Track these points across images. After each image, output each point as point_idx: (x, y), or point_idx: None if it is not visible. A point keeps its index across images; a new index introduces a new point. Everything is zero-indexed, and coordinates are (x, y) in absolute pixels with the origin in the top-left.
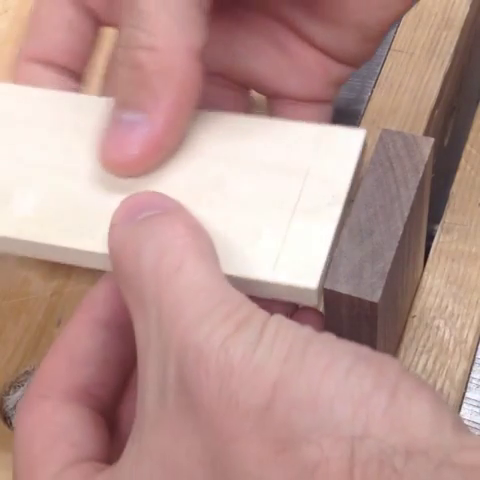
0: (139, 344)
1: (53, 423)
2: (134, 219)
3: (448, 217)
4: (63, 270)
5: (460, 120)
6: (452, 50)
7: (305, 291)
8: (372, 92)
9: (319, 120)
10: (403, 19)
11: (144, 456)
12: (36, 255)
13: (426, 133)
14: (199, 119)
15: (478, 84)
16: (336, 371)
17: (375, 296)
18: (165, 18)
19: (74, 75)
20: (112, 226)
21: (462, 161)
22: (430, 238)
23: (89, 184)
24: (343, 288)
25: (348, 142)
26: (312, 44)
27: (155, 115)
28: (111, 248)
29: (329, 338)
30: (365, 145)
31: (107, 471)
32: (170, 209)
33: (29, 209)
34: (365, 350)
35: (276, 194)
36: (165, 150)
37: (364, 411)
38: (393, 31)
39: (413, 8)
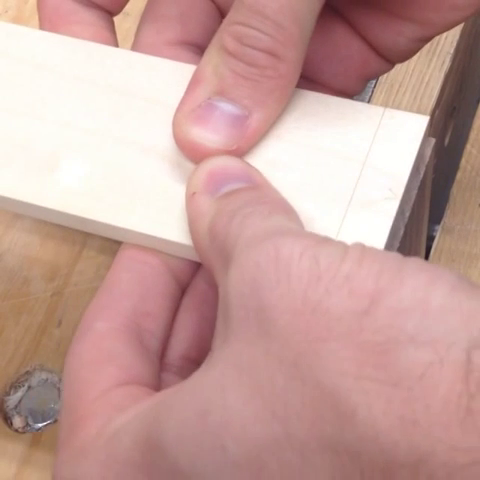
0: (220, 300)
1: (100, 349)
2: (218, 190)
3: (448, 217)
4: (64, 270)
5: (460, 120)
6: (452, 50)
7: None
8: (372, 92)
9: None
10: None
11: (215, 364)
12: (81, 228)
13: (426, 133)
14: None
15: (478, 84)
16: (441, 285)
17: None
18: (297, 32)
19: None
20: (194, 194)
21: (462, 161)
22: (430, 238)
23: (142, 157)
24: None
25: (409, 129)
26: (361, 35)
27: (255, 115)
28: (193, 219)
29: (422, 260)
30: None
31: (160, 393)
32: (257, 183)
33: (76, 180)
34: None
35: (332, 182)
36: (249, 149)
37: (475, 324)
38: None
39: None
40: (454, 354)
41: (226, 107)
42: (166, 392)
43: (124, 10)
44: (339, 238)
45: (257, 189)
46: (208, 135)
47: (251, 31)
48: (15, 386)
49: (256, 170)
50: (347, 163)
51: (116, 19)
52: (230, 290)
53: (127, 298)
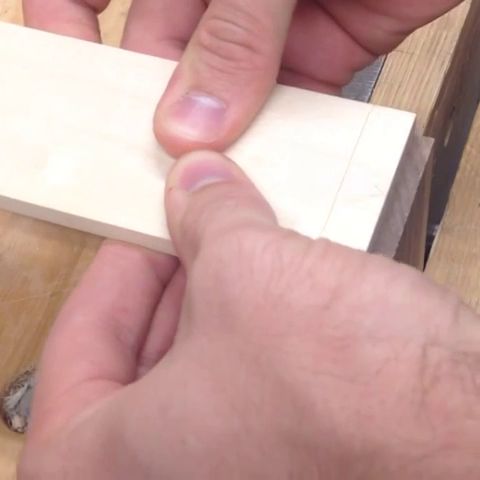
0: (185, 293)
1: (75, 343)
2: (193, 185)
3: (448, 217)
4: (63, 270)
5: (460, 120)
6: (452, 50)
7: None
8: (372, 92)
9: None
10: None
11: (177, 358)
12: (67, 225)
13: (426, 133)
14: None
15: (478, 84)
16: (401, 283)
17: None
18: (271, 23)
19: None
20: (170, 190)
21: (462, 161)
22: (430, 238)
23: (129, 154)
24: None
25: (396, 126)
26: (342, 26)
27: (233, 107)
28: (168, 214)
29: (385, 257)
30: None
31: (124, 388)
32: (233, 178)
33: (63, 177)
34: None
35: (317, 179)
36: (229, 142)
37: (433, 322)
38: None
39: None
40: (410, 350)
41: (204, 101)
42: (129, 386)
43: (122, 11)
44: (324, 234)
45: (230, 184)
46: (186, 129)
47: (225, 24)
48: (15, 386)
49: (235, 165)
50: (333, 160)
51: (115, 20)
52: (193, 284)
53: (107, 293)
